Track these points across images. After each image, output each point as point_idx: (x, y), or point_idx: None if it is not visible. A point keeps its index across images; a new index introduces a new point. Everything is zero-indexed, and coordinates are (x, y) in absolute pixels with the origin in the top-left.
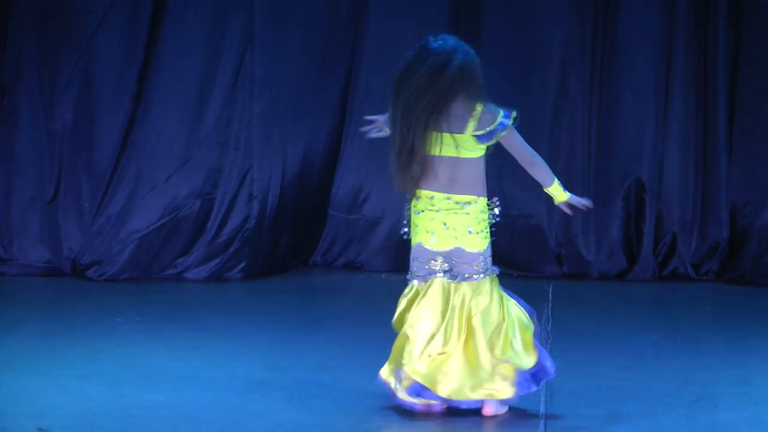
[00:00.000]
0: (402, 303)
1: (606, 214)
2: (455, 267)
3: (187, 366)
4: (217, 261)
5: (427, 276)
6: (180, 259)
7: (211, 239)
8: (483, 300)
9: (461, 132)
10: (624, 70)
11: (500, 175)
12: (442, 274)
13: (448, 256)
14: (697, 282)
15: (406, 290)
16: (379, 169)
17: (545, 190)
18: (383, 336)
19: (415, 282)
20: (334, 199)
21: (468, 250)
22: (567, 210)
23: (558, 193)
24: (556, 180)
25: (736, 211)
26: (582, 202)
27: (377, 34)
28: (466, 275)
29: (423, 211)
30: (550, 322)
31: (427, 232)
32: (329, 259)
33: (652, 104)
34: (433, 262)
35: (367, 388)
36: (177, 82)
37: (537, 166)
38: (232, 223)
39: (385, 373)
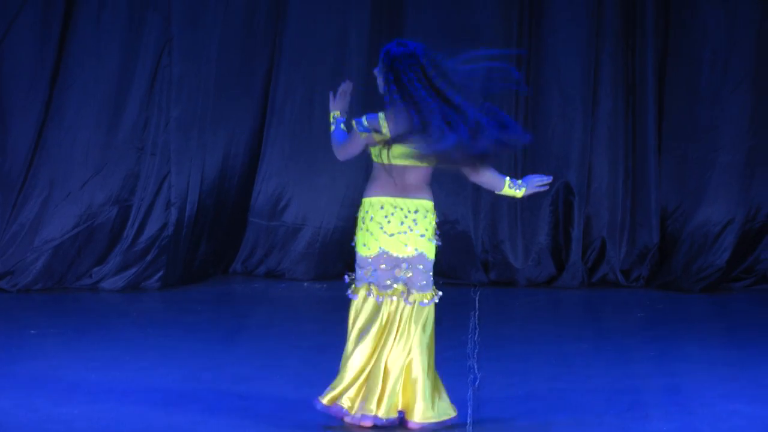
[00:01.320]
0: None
1: (533, 220)
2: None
3: (103, 378)
4: (134, 270)
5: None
6: (96, 269)
7: (128, 247)
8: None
9: None
10: (551, 69)
11: None
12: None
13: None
14: (627, 288)
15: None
16: (300, 174)
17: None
18: (305, 346)
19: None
20: (255, 206)
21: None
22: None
23: (512, 192)
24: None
25: (666, 215)
26: (541, 182)
27: (297, 34)
28: (419, 284)
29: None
30: (477, 331)
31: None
32: (249, 267)
33: (579, 105)
34: (397, 269)
35: (289, 399)
36: (92, 85)
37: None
38: (150, 230)
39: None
